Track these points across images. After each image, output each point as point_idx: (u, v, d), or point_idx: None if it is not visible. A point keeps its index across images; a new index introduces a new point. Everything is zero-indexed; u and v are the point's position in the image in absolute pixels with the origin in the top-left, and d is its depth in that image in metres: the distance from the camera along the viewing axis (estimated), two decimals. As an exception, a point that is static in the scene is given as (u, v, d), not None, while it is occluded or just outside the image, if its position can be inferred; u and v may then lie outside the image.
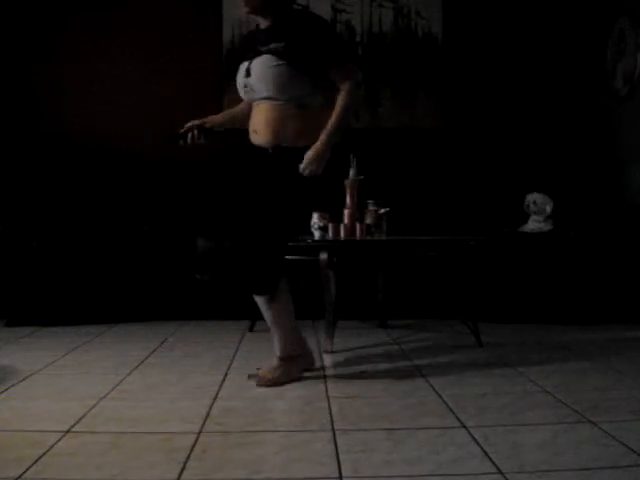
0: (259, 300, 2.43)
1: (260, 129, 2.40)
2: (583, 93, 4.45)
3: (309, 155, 2.32)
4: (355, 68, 2.41)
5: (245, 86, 2.41)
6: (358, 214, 3.20)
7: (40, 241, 3.75)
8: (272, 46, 2.32)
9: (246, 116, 2.51)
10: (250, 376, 2.47)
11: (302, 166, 2.32)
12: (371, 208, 3.24)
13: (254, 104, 2.45)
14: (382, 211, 3.23)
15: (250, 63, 2.37)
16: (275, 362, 2.47)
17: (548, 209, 3.77)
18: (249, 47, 2.44)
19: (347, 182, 3.20)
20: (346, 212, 3.18)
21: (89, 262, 3.80)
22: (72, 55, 4.39)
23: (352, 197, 3.20)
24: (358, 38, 4.52)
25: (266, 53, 2.33)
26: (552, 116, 4.47)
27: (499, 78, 4.52)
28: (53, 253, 3.76)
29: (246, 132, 2.49)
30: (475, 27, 4.52)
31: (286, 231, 2.46)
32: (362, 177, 3.22)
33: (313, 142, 2.33)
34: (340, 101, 2.36)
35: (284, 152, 2.38)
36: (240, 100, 2.58)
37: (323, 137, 2.33)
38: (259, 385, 2.38)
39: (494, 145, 4.35)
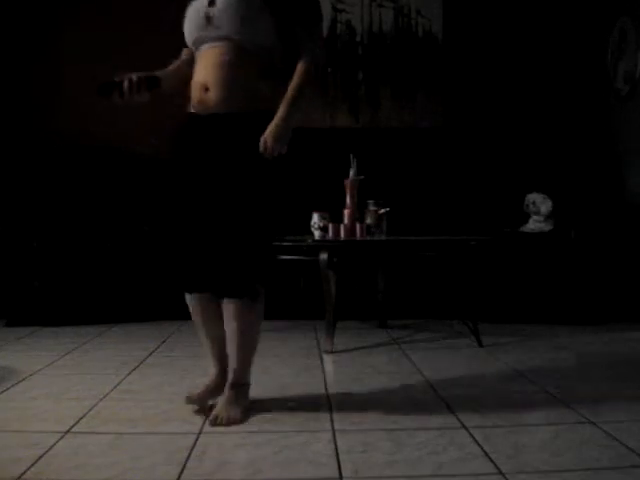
0: (231, 306, 1.97)
1: (216, 82, 1.90)
2: (584, 93, 4.45)
3: (272, 132, 1.86)
4: (322, 46, 2.03)
5: (207, 18, 1.90)
6: (358, 214, 3.20)
7: (40, 241, 3.75)
8: None
9: (191, 67, 2.02)
10: (189, 399, 2.09)
11: (267, 145, 1.86)
12: (371, 208, 3.24)
13: (203, 50, 1.95)
14: (382, 211, 3.23)
15: None
16: (228, 393, 2.03)
17: (543, 209, 3.76)
18: None
19: (347, 182, 3.20)
20: (346, 212, 3.18)
21: (89, 262, 3.80)
22: (72, 55, 4.38)
23: (352, 197, 3.20)
24: (358, 38, 4.52)
25: None
26: (553, 116, 4.47)
27: (499, 78, 4.51)
28: (53, 253, 3.76)
29: None
30: (475, 27, 4.52)
31: (272, 225, 2.01)
32: (362, 177, 3.22)
33: (275, 108, 1.91)
34: (300, 73, 1.93)
35: (258, 120, 1.89)
36: None
37: (285, 110, 1.89)
38: (216, 425, 1.93)
39: (494, 145, 4.35)
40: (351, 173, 3.22)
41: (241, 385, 2.06)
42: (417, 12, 4.51)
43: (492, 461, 1.64)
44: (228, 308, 1.98)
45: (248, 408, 2.04)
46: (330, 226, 3.14)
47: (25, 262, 3.74)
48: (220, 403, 2.02)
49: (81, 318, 3.73)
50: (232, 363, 2.04)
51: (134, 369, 2.66)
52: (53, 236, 3.78)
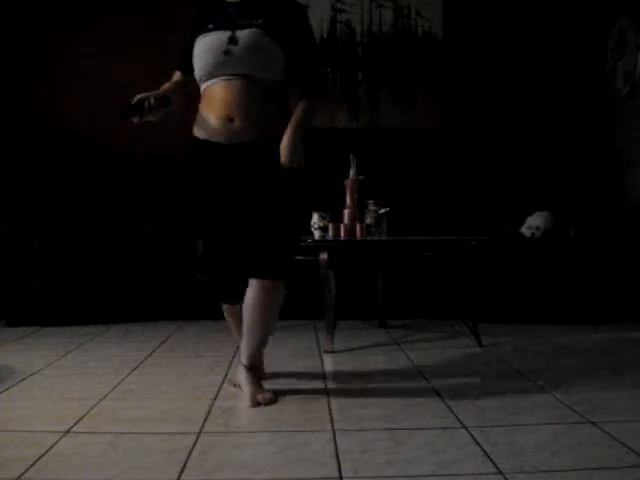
0: (266, 284, 2.16)
1: (239, 114, 2.09)
2: (583, 93, 4.45)
3: (290, 146, 2.08)
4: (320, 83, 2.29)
5: (227, 53, 2.07)
6: (358, 214, 3.20)
7: (41, 241, 3.75)
8: (261, 21, 2.10)
9: (185, 91, 2.23)
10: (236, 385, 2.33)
11: (287, 159, 2.08)
12: (371, 208, 3.24)
13: (217, 83, 2.12)
14: (382, 211, 3.23)
15: (234, 32, 2.08)
16: (251, 377, 2.25)
17: (547, 227, 3.74)
18: (214, 18, 2.15)
19: (347, 182, 3.20)
20: (346, 212, 3.18)
21: (89, 262, 3.80)
22: (73, 55, 4.39)
23: (352, 197, 3.20)
24: (358, 38, 4.52)
25: (255, 27, 2.09)
26: (552, 116, 4.47)
27: (499, 78, 4.52)
28: (53, 253, 3.76)
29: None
30: (475, 27, 4.52)
31: (299, 226, 2.37)
32: (362, 177, 3.22)
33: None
34: (309, 103, 2.18)
35: (275, 143, 2.11)
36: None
37: (296, 125, 2.11)
38: (258, 406, 2.15)
39: (494, 145, 4.35)
40: (351, 173, 3.22)
41: (257, 366, 2.31)
42: (417, 12, 4.51)
43: (492, 461, 1.64)
44: (262, 287, 2.16)
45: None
46: (330, 226, 3.15)
47: (25, 262, 3.74)
48: (250, 387, 2.21)
49: (81, 318, 3.73)
50: (250, 348, 2.26)
51: (134, 369, 2.66)
52: (53, 236, 3.78)
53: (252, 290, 2.19)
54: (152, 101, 2.05)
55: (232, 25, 2.11)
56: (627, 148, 4.03)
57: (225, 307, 2.39)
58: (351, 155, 3.26)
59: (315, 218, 3.14)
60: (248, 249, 2.18)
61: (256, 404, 2.15)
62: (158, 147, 4.34)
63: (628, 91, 3.99)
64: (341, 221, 3.17)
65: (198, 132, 2.21)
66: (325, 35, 4.49)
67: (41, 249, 3.75)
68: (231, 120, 2.10)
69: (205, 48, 2.12)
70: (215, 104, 2.12)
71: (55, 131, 4.27)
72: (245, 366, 2.27)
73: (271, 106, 2.15)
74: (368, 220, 3.22)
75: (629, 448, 1.71)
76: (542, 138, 4.40)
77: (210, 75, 2.13)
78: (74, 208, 3.94)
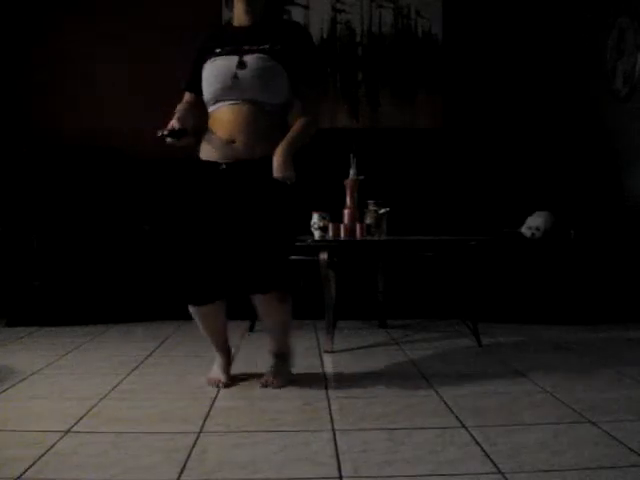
0: (271, 299, 2.28)
1: (242, 136, 2.21)
2: (583, 93, 4.46)
3: (282, 159, 2.17)
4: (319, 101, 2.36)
5: (235, 77, 2.20)
6: (358, 214, 3.20)
7: (40, 241, 3.75)
8: (266, 46, 2.22)
9: (193, 115, 2.30)
10: (227, 384, 2.39)
11: (279, 171, 2.17)
12: (371, 208, 3.24)
13: (223, 106, 2.25)
14: (382, 211, 3.23)
15: (242, 57, 2.21)
16: (274, 362, 2.46)
17: (547, 227, 3.74)
18: (222, 44, 2.27)
19: (347, 182, 3.20)
20: (346, 212, 3.18)
21: (89, 262, 3.80)
22: (73, 54, 4.40)
23: (352, 197, 3.20)
24: (358, 38, 4.53)
25: (259, 52, 2.21)
26: (552, 116, 4.47)
27: (499, 78, 4.52)
28: (53, 253, 3.76)
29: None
30: (475, 27, 4.52)
31: (295, 232, 2.46)
32: (362, 177, 3.23)
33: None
34: (306, 123, 2.28)
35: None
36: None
37: (292, 139, 2.22)
38: (266, 387, 2.35)
39: (494, 145, 4.35)
40: (351, 173, 3.23)
41: (283, 354, 2.46)
42: (417, 13, 4.52)
43: (491, 460, 1.64)
44: (267, 300, 2.29)
45: (291, 374, 2.46)
46: (330, 226, 3.15)
47: (25, 262, 3.74)
48: (269, 371, 2.41)
49: (81, 318, 3.73)
50: (276, 341, 2.44)
51: (134, 369, 2.66)
52: (53, 236, 3.78)
53: (257, 305, 2.32)
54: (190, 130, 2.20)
55: (239, 50, 2.23)
56: (627, 148, 4.03)
57: (192, 309, 2.36)
58: (351, 155, 3.26)
59: (315, 218, 3.14)
60: (239, 265, 2.23)
61: (263, 385, 2.34)
62: (158, 147, 4.34)
63: (627, 91, 3.99)
64: (341, 221, 3.17)
65: (202, 153, 2.32)
66: (325, 35, 4.49)
67: (41, 249, 3.75)
68: (233, 142, 2.22)
69: (214, 72, 2.24)
70: (219, 127, 2.24)
71: (55, 131, 4.27)
72: (273, 354, 2.46)
73: (274, 129, 2.25)
74: (368, 220, 3.22)
75: (629, 448, 1.71)
76: (542, 138, 4.40)
77: (218, 99, 2.25)
78: (74, 208, 3.95)
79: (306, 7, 4.44)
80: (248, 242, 2.21)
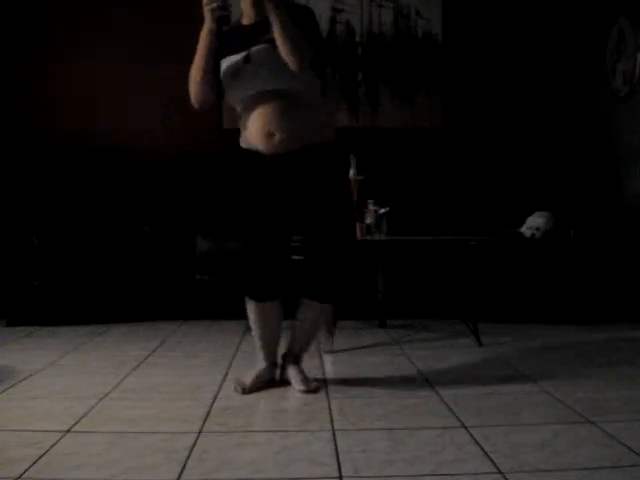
0: (317, 306, 2.33)
1: (279, 131, 2.18)
2: (582, 93, 4.46)
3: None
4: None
5: (245, 72, 2.17)
6: (358, 214, 3.20)
7: (40, 240, 3.75)
8: (271, 35, 2.13)
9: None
10: (245, 390, 2.32)
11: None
12: (371, 208, 3.24)
13: (247, 100, 2.21)
14: (382, 211, 3.23)
15: (249, 51, 2.18)
16: (300, 369, 2.43)
17: (548, 227, 3.73)
18: (234, 42, 2.23)
19: (347, 182, 3.20)
20: (346, 212, 3.18)
21: (89, 262, 3.80)
22: (74, 54, 4.39)
23: (352, 197, 3.20)
24: (358, 38, 4.53)
25: (265, 42, 2.15)
26: (551, 116, 4.47)
27: (498, 79, 4.52)
28: (53, 253, 3.76)
29: None
30: (475, 27, 4.52)
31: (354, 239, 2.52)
32: (362, 177, 3.23)
33: (330, 139, 2.32)
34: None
35: (323, 151, 2.26)
36: None
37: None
38: (311, 392, 2.32)
39: (493, 145, 4.35)
40: (351, 173, 3.22)
41: (302, 356, 2.46)
42: (417, 12, 4.52)
43: (491, 460, 1.65)
44: (315, 307, 2.33)
45: None
46: (330, 226, 3.14)
47: (25, 261, 3.74)
48: (299, 377, 2.36)
49: (81, 318, 3.73)
50: (301, 344, 2.43)
51: (134, 369, 2.66)
52: (54, 236, 3.78)
53: (305, 307, 2.35)
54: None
55: (249, 45, 2.19)
56: (626, 148, 4.03)
57: (253, 307, 2.37)
58: (351, 155, 3.26)
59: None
60: (304, 267, 2.30)
61: (309, 391, 2.31)
62: (158, 147, 4.36)
63: (627, 91, 3.99)
64: (341, 221, 3.17)
65: (243, 143, 2.31)
66: (325, 35, 4.49)
67: (41, 249, 3.75)
68: (271, 135, 2.19)
69: (227, 72, 2.21)
70: (255, 120, 2.21)
71: (55, 131, 4.27)
72: (294, 355, 2.44)
73: (305, 115, 2.22)
74: (368, 220, 3.22)
75: (629, 448, 1.71)
76: (541, 138, 4.40)
77: (238, 96, 2.24)
78: (74, 208, 3.95)
79: (311, 9, 4.43)
80: (318, 240, 2.26)
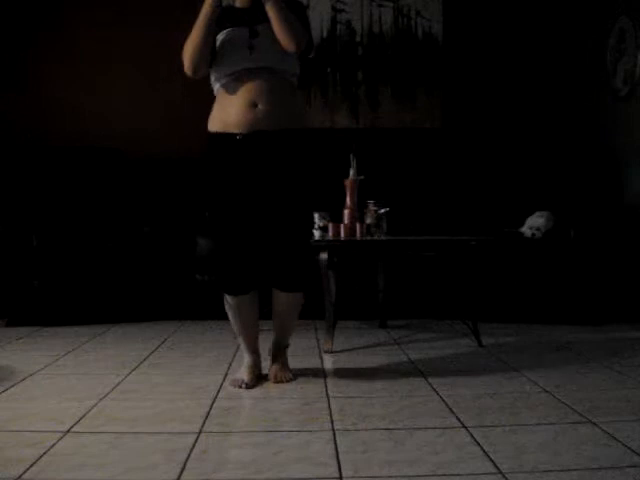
0: (291, 296, 2.41)
1: (264, 102, 2.21)
2: (583, 92, 4.45)
3: None
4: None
5: (250, 47, 2.21)
6: (358, 214, 3.20)
7: (40, 241, 3.75)
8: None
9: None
10: (248, 385, 2.36)
11: None
12: (371, 208, 3.24)
13: (243, 76, 2.23)
14: (382, 211, 3.23)
15: (253, 27, 2.23)
16: (281, 357, 2.51)
17: (548, 227, 3.73)
18: (232, 19, 2.27)
19: (347, 182, 3.20)
20: (346, 212, 3.18)
21: (89, 262, 3.80)
22: (74, 55, 4.40)
23: (352, 197, 3.20)
24: (358, 38, 4.52)
25: (268, 22, 2.20)
26: (552, 115, 4.47)
27: (499, 79, 4.52)
28: (53, 253, 3.76)
29: None
30: (475, 27, 4.52)
31: (310, 228, 2.55)
32: (362, 177, 3.22)
33: (303, 125, 2.35)
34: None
35: (296, 136, 2.30)
36: None
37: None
38: (278, 382, 2.42)
39: (494, 145, 4.35)
40: (351, 173, 3.22)
41: (286, 345, 2.54)
42: (417, 12, 4.52)
43: (492, 461, 1.64)
44: (289, 296, 2.41)
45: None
46: (330, 226, 3.15)
47: (25, 261, 3.74)
48: (276, 366, 2.47)
49: (81, 318, 3.73)
50: (283, 332, 2.52)
51: (134, 369, 2.66)
52: (53, 236, 3.78)
53: (277, 298, 2.42)
54: None
55: (249, 22, 2.24)
56: (627, 147, 4.03)
57: (229, 300, 2.39)
58: (351, 155, 3.26)
59: (315, 218, 3.14)
60: (270, 258, 2.33)
61: (277, 381, 2.41)
62: (158, 147, 4.35)
63: (628, 91, 3.99)
64: (341, 221, 3.17)
65: (214, 126, 2.30)
66: (325, 35, 4.49)
67: (41, 249, 3.75)
68: (255, 105, 2.21)
69: (230, 42, 2.23)
70: (239, 92, 2.22)
71: (55, 131, 4.27)
72: (277, 345, 2.52)
73: (290, 97, 2.29)
74: (368, 220, 3.22)
75: (629, 448, 1.71)
76: (542, 138, 4.40)
77: (235, 67, 2.23)
78: (74, 208, 3.95)
79: (306, 6, 4.43)
80: (276, 229, 2.29)
